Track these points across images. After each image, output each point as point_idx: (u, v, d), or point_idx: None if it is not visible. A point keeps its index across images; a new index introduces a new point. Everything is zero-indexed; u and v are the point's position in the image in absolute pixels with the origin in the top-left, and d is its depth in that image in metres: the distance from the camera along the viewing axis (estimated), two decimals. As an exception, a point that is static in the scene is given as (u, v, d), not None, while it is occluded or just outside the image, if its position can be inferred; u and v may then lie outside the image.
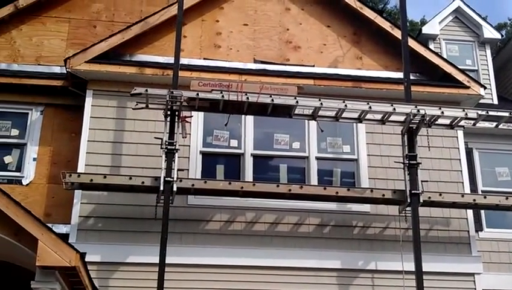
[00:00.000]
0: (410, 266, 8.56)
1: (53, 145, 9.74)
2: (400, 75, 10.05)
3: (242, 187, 8.83)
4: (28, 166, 9.57)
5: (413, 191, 8.77)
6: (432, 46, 12.98)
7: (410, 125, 9.00)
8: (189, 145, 9.50)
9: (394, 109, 8.97)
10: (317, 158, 9.82)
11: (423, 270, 8.36)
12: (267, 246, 9.18)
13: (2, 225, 7.29)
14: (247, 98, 8.72)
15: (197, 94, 8.70)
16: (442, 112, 9.02)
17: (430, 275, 8.85)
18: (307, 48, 10.57)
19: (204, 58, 10.23)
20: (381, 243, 9.42)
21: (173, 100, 8.59)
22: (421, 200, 8.79)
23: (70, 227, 8.85)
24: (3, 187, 7.61)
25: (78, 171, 9.01)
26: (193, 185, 8.73)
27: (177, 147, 8.57)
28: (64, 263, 7.16)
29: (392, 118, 9.13)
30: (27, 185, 9.46)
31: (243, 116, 9.61)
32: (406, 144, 9.02)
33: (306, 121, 9.77)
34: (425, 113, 8.91)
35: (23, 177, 9.50)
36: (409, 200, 8.77)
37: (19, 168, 9.58)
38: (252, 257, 9.02)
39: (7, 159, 9.66)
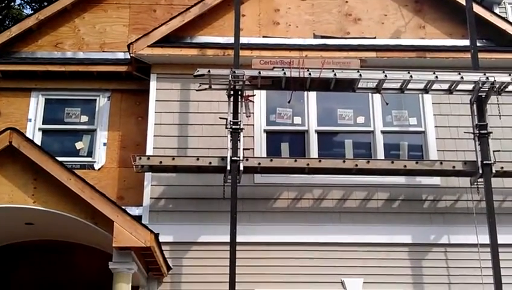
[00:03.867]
0: (485, 239, 8.36)
1: (121, 129, 9.96)
2: (465, 42, 9.73)
3: (308, 164, 8.80)
4: (98, 151, 9.81)
5: (485, 162, 8.57)
6: (497, 10, 12.50)
7: (479, 94, 8.77)
8: (253, 125, 9.53)
9: (462, 77, 8.73)
10: (383, 132, 9.66)
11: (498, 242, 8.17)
12: (335, 222, 9.14)
13: (79, 208, 7.57)
14: (309, 73, 8.66)
15: (259, 72, 8.70)
16: (513, 79, 8.71)
17: (506, 248, 8.63)
18: (368, 20, 10.36)
19: (263, 36, 10.18)
20: (453, 216, 9.21)
21: (235, 80, 8.62)
22: (494, 171, 8.59)
23: (143, 209, 9.05)
24: (77, 172, 7.86)
25: (147, 154, 9.19)
26: (259, 163, 8.77)
27: (241, 127, 8.62)
28: (140, 244, 7.38)
29: (460, 87, 8.90)
30: (99, 169, 9.71)
31: (306, 92, 9.53)
32: (475, 113, 8.81)
33: (370, 94, 9.62)
34: (495, 80, 8.65)
35: (95, 162, 9.76)
36: (480, 171, 8.57)
37: (90, 153, 9.84)
38: (320, 234, 9.01)
39: (78, 145, 9.94)
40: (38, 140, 9.66)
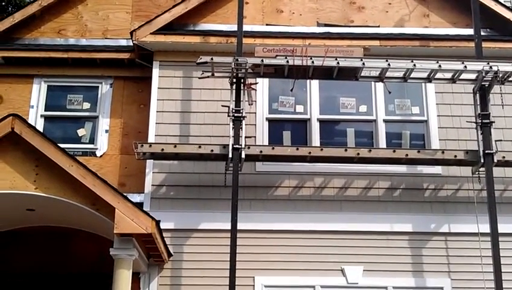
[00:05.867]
0: (485, 228, 8.37)
1: (123, 117, 9.96)
2: (469, 31, 9.69)
3: (310, 152, 8.80)
4: (100, 138, 9.83)
5: (486, 151, 8.54)
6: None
7: (483, 83, 8.73)
8: (255, 113, 9.52)
9: (465, 66, 8.69)
10: (385, 121, 9.64)
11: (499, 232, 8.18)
12: (336, 210, 9.16)
13: (80, 195, 7.59)
14: (312, 62, 8.63)
15: (262, 60, 8.67)
16: (517, 68, 8.67)
17: (506, 237, 8.66)
18: (372, 8, 10.32)
19: (266, 24, 10.15)
20: (454, 205, 9.22)
21: (238, 67, 8.60)
22: (495, 160, 8.57)
23: (144, 196, 9.08)
24: (78, 159, 7.86)
25: (149, 141, 9.20)
26: (261, 151, 8.77)
27: (243, 115, 8.62)
28: (141, 230, 7.40)
29: (463, 76, 8.87)
30: (101, 156, 9.73)
31: (308, 81, 9.51)
32: (478, 102, 8.77)
33: (372, 83, 9.60)
34: (498, 69, 8.61)
35: (96, 149, 9.77)
36: (482, 161, 8.55)
37: (92, 140, 9.86)
38: (321, 222, 9.02)
39: (80, 132, 9.96)
40: (40, 127, 9.69)
